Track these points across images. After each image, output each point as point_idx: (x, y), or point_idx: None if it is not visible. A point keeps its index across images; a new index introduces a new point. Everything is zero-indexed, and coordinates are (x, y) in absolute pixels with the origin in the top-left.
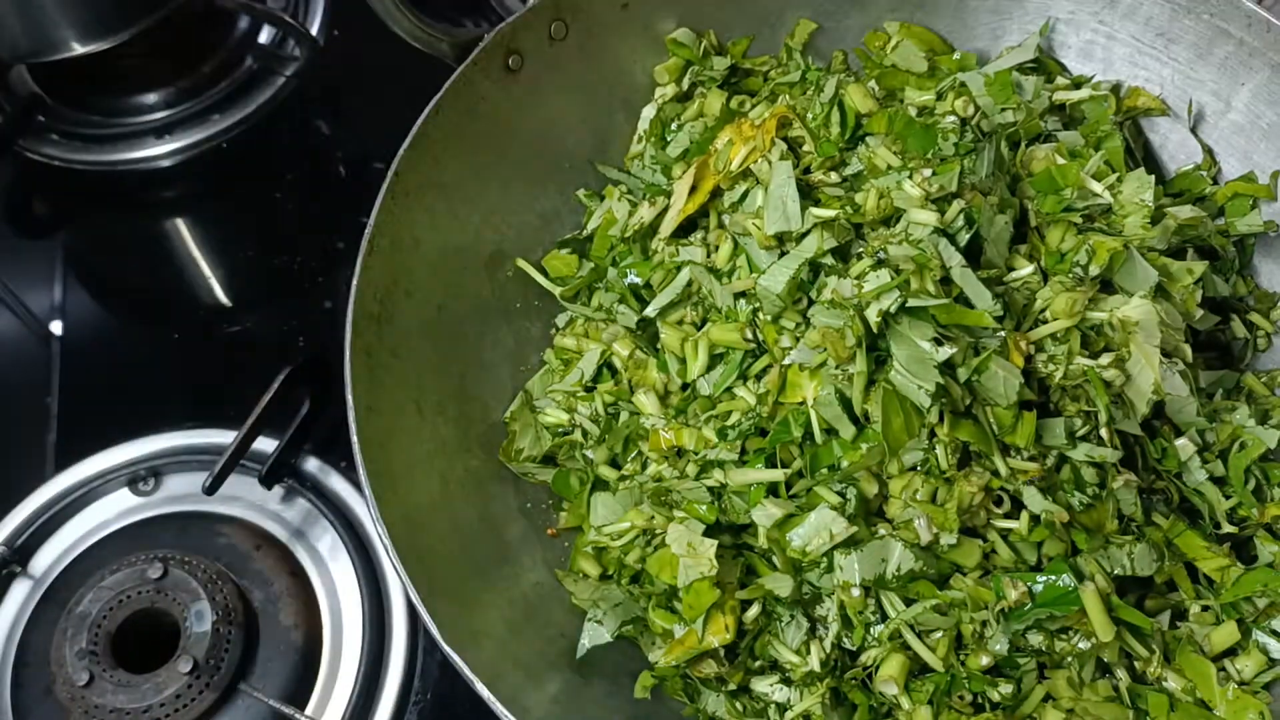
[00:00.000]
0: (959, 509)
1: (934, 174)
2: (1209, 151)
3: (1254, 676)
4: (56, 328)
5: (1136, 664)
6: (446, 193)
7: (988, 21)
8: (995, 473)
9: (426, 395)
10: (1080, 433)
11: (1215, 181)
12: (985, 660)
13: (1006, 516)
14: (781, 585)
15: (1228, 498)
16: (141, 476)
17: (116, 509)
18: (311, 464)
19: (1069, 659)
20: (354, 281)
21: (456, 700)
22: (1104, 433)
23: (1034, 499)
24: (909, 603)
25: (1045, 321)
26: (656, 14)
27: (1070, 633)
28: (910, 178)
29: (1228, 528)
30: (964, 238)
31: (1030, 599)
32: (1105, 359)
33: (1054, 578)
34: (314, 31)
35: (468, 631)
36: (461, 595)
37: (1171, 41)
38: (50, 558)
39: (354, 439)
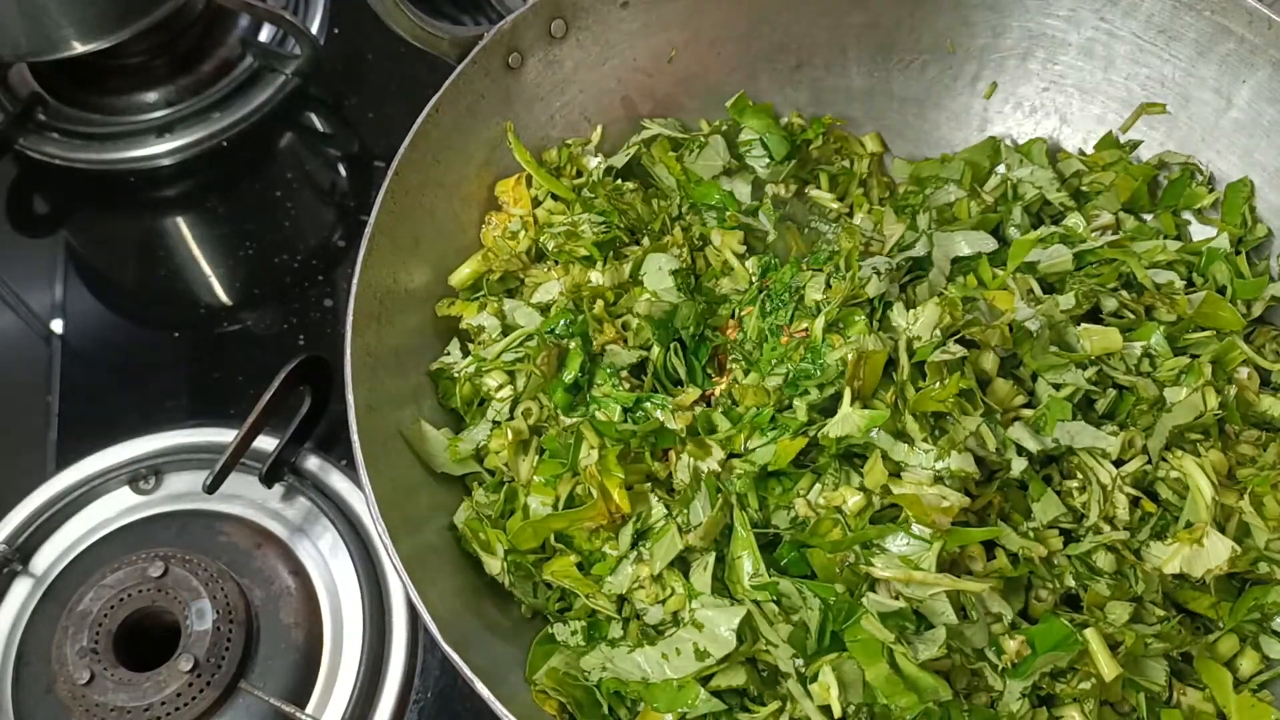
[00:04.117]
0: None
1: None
2: (1191, 159)
3: (1251, 676)
4: (57, 326)
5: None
6: (446, 192)
7: (988, 19)
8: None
9: (426, 394)
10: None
11: (1211, 184)
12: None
13: None
14: None
15: None
16: (142, 475)
17: (117, 507)
18: (312, 462)
19: (1071, 701)
20: (354, 280)
21: (457, 699)
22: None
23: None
24: None
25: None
26: (656, 13)
27: (1071, 674)
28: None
29: None
30: None
31: (1031, 649)
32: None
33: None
34: (314, 30)
35: (468, 630)
36: (462, 594)
37: (1173, 39)
38: (51, 556)
39: (354, 438)
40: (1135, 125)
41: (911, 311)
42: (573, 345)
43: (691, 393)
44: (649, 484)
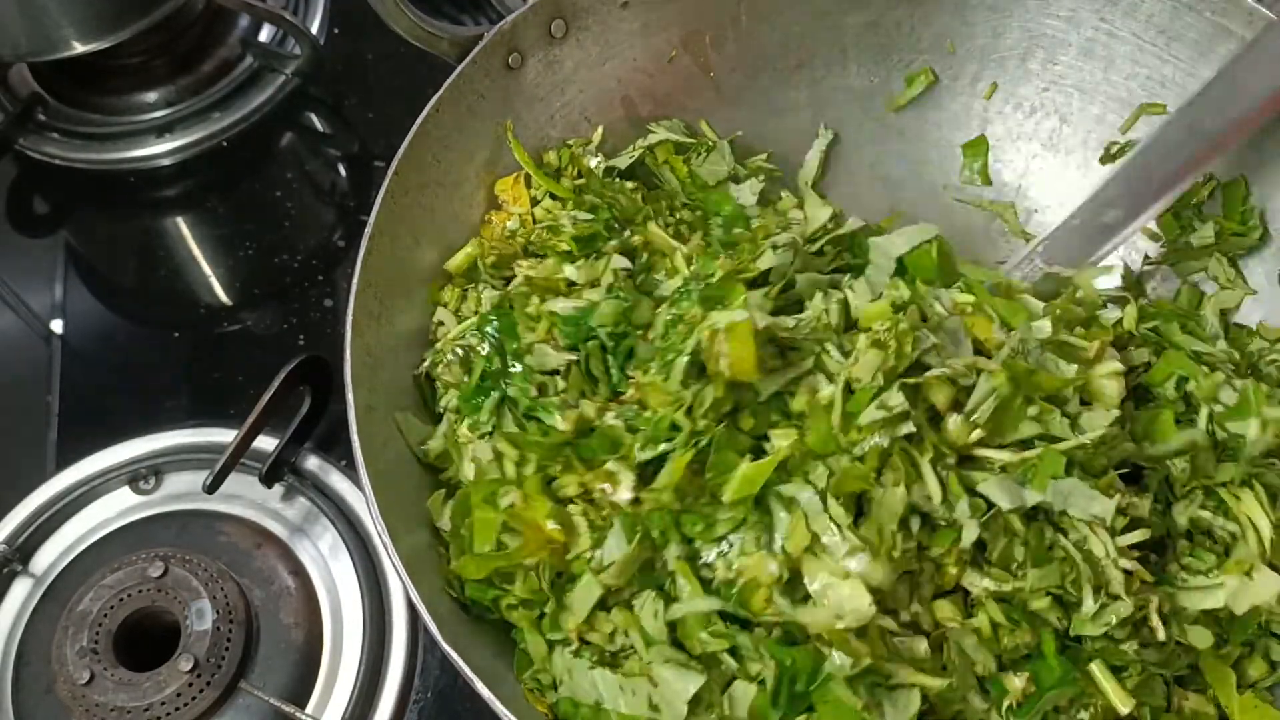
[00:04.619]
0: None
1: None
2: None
3: (1257, 680)
4: (57, 326)
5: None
6: (446, 191)
7: (987, 19)
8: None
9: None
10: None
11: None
12: None
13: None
14: None
15: None
16: (142, 475)
17: (117, 507)
18: (312, 462)
19: None
20: (354, 280)
21: (457, 699)
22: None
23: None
24: None
25: None
26: (656, 13)
27: (1072, 706)
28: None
29: None
30: None
31: (1036, 685)
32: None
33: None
34: (314, 30)
35: (468, 630)
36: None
37: (1173, 39)
38: (51, 556)
39: (354, 438)
40: (1135, 125)
41: (852, 353)
42: (485, 349)
43: (602, 394)
44: (585, 505)
